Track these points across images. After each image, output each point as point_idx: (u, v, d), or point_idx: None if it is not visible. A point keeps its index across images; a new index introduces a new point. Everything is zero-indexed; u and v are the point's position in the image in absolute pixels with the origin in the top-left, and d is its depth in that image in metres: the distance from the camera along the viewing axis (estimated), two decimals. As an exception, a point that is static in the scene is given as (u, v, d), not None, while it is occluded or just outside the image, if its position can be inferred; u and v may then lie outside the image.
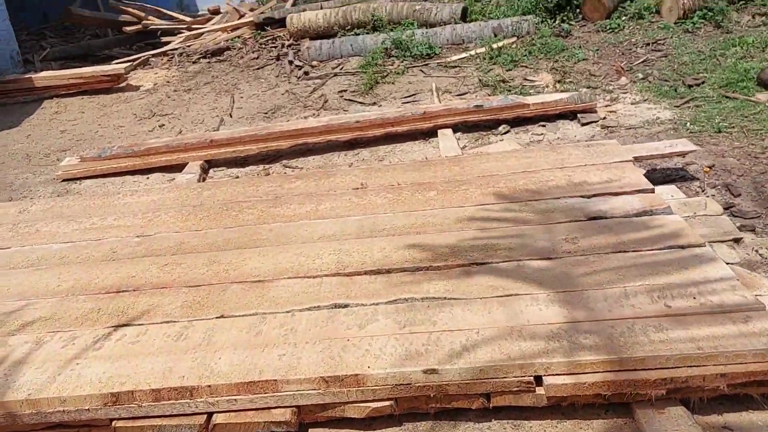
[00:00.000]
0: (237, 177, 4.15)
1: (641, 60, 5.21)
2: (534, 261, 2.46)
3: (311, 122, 4.47)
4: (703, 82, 4.60)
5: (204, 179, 4.13)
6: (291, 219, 3.01)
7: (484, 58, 5.71)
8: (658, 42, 5.45)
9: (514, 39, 5.96)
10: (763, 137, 3.77)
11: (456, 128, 4.43)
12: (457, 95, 5.12)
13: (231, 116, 5.36)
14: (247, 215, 3.07)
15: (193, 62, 7.00)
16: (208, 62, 6.96)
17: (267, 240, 2.81)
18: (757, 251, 2.82)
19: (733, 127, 3.93)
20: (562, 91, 4.83)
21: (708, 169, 3.55)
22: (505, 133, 4.35)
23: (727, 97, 4.33)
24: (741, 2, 5.75)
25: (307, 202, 3.18)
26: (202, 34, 7.90)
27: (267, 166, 4.32)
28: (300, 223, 2.95)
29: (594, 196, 2.94)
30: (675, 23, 5.68)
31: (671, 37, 5.48)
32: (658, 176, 3.54)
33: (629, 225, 2.64)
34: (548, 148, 3.51)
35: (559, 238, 2.59)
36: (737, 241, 2.71)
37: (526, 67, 5.42)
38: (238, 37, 7.52)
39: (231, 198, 3.31)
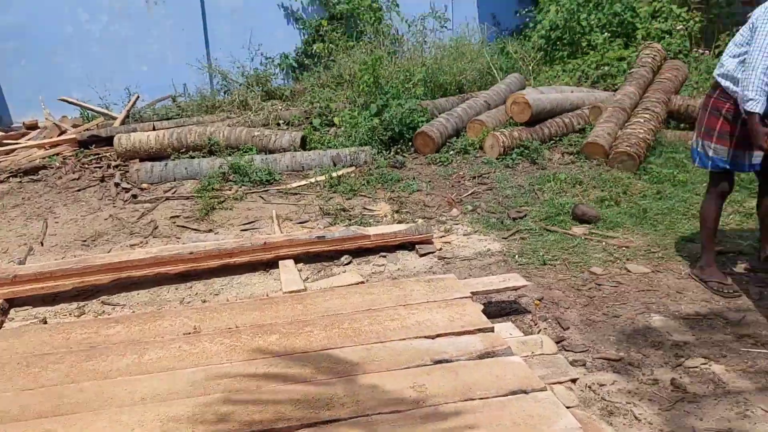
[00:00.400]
0: (44, 319, 3.62)
1: (469, 192, 5.54)
2: (383, 415, 2.31)
3: (138, 254, 4.09)
4: (525, 215, 4.95)
5: (2, 323, 3.54)
6: (107, 375, 2.61)
7: (325, 186, 5.76)
8: (483, 176, 5.87)
9: (353, 168, 6.11)
10: (583, 269, 4.07)
11: (298, 259, 4.30)
12: (298, 223, 5.05)
13: (42, 244, 4.79)
14: (51, 372, 2.62)
15: (1, 182, 6.29)
16: (20, 182, 6.29)
17: (76, 404, 2.38)
18: (590, 387, 2.92)
19: (557, 259, 4.21)
20: (399, 221, 4.95)
21: (538, 302, 3.72)
22: (348, 263, 4.30)
23: (547, 230, 4.67)
24: (551, 142, 6.44)
25: (129, 351, 2.80)
26: (14, 150, 7.20)
27: (81, 304, 3.83)
28: (119, 380, 2.56)
29: (438, 336, 2.91)
30: (497, 159, 6.18)
31: (494, 172, 5.93)
32: (494, 309, 3.63)
33: (474, 368, 2.61)
34: (391, 284, 3.47)
35: (406, 386, 2.48)
36: (574, 381, 2.78)
37: (365, 196, 5.53)
38: (58, 154, 6.95)
39: (33, 350, 2.82)
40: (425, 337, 2.90)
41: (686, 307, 3.57)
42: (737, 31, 3.69)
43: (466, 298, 3.27)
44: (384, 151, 6.52)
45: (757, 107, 3.37)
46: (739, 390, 2.79)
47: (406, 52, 9.17)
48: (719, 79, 3.70)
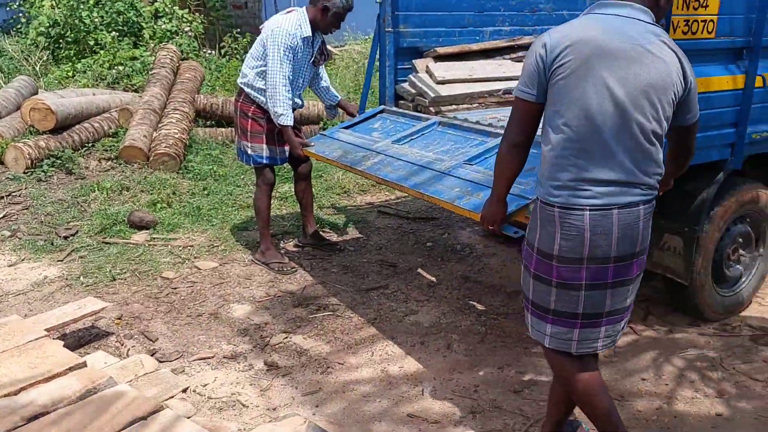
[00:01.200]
0: None
1: (1, 216, 4.80)
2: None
3: None
4: (77, 232, 4.58)
5: None
6: None
7: None
8: (13, 194, 5.14)
9: None
10: (155, 276, 4.04)
11: None
12: None
13: None
14: None
15: None
16: None
17: None
18: (195, 391, 2.97)
19: (125, 272, 4.07)
20: None
21: (118, 320, 3.56)
22: None
23: (107, 243, 4.44)
24: (84, 149, 6.00)
25: None
26: None
27: None
28: None
29: (22, 390, 2.53)
30: (25, 173, 5.47)
31: (26, 188, 5.25)
32: (72, 341, 3.32)
33: (80, 413, 2.39)
34: (-67, 347, 2.81)
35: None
36: (185, 390, 2.80)
37: None
38: None
39: None
40: (6, 395, 2.48)
41: (257, 291, 3.93)
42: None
43: (42, 338, 2.91)
44: None
45: (287, 120, 3.92)
46: (318, 354, 3.27)
47: None
48: (243, 87, 4.11)
